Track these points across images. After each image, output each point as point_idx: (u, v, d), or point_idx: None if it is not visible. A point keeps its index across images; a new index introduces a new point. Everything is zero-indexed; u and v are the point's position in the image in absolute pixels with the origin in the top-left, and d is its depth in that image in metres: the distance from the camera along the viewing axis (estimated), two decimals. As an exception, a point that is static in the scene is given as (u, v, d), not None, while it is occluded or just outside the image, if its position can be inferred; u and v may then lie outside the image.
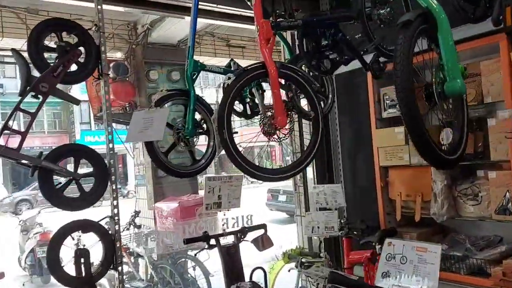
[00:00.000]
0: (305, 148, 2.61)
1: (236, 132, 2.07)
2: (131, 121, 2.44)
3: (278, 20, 2.12)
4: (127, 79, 6.48)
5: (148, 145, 2.40)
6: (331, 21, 2.29)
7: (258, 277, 2.62)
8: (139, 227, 5.88)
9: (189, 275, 5.31)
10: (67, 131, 24.26)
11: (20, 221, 8.24)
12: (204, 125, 2.66)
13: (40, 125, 24.10)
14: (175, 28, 6.15)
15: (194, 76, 2.51)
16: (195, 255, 4.92)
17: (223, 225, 3.16)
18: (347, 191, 3.81)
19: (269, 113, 2.04)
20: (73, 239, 2.51)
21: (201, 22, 6.00)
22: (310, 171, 4.17)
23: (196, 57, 2.53)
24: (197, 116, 2.60)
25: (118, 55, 6.59)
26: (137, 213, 5.98)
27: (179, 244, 5.11)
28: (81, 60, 2.57)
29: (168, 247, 5.14)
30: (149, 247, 5.67)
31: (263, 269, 2.70)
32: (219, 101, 1.96)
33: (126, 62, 6.54)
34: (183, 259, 5.53)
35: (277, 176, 2.11)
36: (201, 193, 6.35)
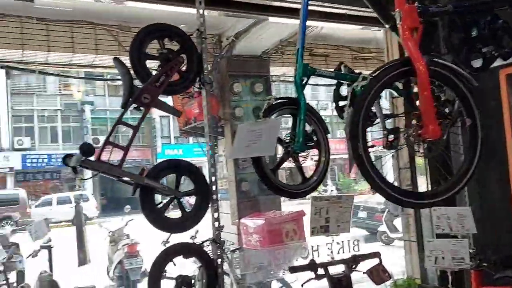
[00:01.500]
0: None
1: (373, 146, 1.71)
2: (237, 134, 2.19)
3: (424, 5, 1.72)
4: (212, 92, 6.41)
5: (255, 161, 2.12)
6: (487, 5, 1.85)
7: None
8: (223, 243, 5.69)
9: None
10: (149, 145, 25.32)
11: (109, 232, 8.46)
12: (315, 137, 2.33)
13: (126, 139, 25.30)
14: (259, 39, 5.97)
15: (304, 82, 2.19)
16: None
17: (331, 252, 2.78)
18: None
19: (414, 121, 1.64)
20: (174, 265, 2.29)
21: (287, 31, 5.75)
22: (423, 189, 3.64)
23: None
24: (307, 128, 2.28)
25: (203, 68, 6.56)
26: (221, 228, 5.80)
27: (268, 265, 4.84)
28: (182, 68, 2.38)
29: (256, 268, 4.88)
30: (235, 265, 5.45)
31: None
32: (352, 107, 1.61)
33: (210, 76, 6.47)
34: (269, 279, 5.24)
35: (426, 202, 1.70)
36: (284, 209, 6.07)
